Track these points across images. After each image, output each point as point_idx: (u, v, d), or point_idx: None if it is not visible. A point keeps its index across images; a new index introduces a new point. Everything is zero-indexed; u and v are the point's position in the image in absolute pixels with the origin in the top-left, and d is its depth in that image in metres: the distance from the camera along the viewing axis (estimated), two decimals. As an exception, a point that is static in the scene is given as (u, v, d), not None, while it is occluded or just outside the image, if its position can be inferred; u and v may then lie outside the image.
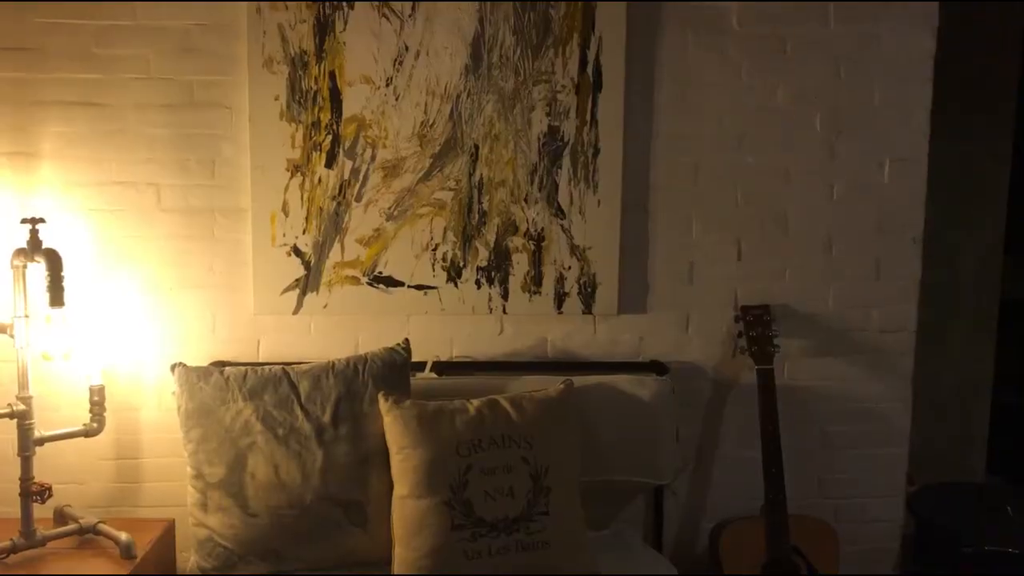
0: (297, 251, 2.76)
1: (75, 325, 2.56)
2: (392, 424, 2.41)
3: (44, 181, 2.70)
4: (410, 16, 2.69)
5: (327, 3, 2.67)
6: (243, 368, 2.50)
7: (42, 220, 2.39)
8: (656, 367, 2.81)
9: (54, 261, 2.29)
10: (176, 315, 2.76)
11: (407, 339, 2.62)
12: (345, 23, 2.69)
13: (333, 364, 2.52)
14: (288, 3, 2.66)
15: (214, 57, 2.70)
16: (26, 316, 2.43)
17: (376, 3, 2.68)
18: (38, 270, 2.36)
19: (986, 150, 3.38)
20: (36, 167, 2.69)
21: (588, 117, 2.76)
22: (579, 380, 2.61)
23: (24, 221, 2.37)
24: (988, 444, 3.80)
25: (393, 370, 2.55)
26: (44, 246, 2.36)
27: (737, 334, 2.81)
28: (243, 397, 2.44)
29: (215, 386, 2.45)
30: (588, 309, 2.83)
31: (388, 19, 2.69)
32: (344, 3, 2.68)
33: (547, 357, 2.85)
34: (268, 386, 2.47)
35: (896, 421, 2.92)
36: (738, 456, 2.87)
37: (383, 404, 2.43)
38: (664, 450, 2.69)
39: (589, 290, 2.82)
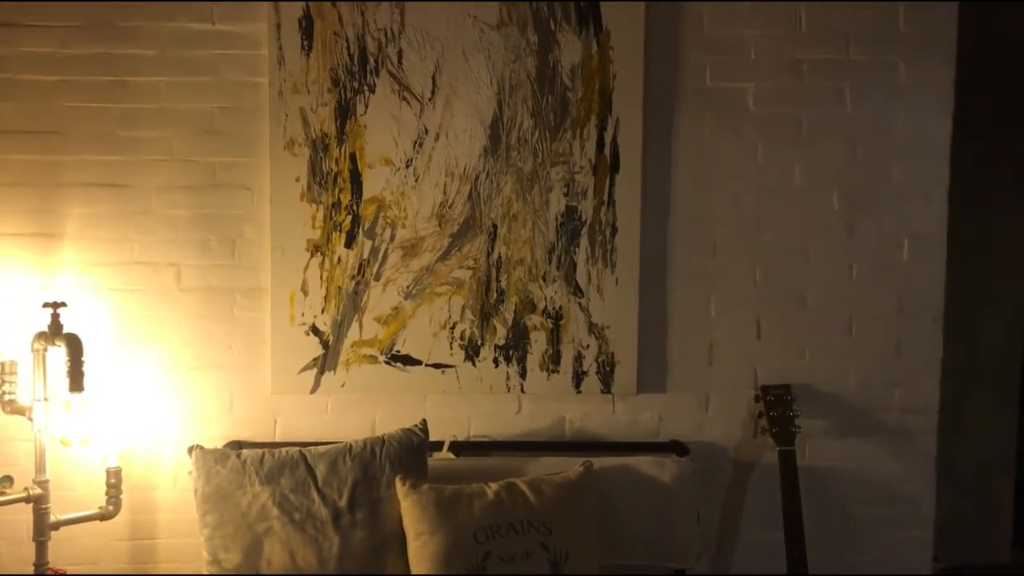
0: (315, 330, 2.77)
1: (94, 408, 2.56)
2: (409, 509, 2.38)
3: (66, 261, 2.72)
4: (430, 100, 2.73)
5: (349, 87, 2.71)
6: (260, 451, 2.49)
7: (63, 304, 2.41)
8: (676, 447, 2.78)
9: (75, 346, 2.31)
10: (194, 395, 2.76)
11: (424, 420, 2.60)
12: (366, 107, 2.73)
13: (350, 446, 2.51)
14: (310, 88, 2.71)
15: (236, 139, 2.74)
16: (45, 399, 2.44)
17: (396, 87, 2.72)
18: (58, 354, 2.37)
19: (1006, 225, 3.37)
20: (59, 247, 2.72)
21: (606, 197, 2.78)
22: (598, 461, 2.59)
23: (46, 305, 2.39)
24: (1014, 518, 3.73)
25: (410, 452, 2.53)
26: (65, 331, 2.37)
27: (758, 414, 2.78)
28: (260, 481, 2.42)
29: (232, 469, 2.44)
30: (607, 388, 2.81)
31: (408, 103, 2.73)
32: (365, 87, 2.72)
33: (566, 437, 2.83)
34: (285, 469, 2.45)
35: (920, 502, 2.87)
36: (760, 539, 2.82)
37: (400, 488, 2.41)
38: (685, 533, 2.64)
39: (608, 369, 2.81)
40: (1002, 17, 2.91)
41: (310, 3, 2.68)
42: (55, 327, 2.38)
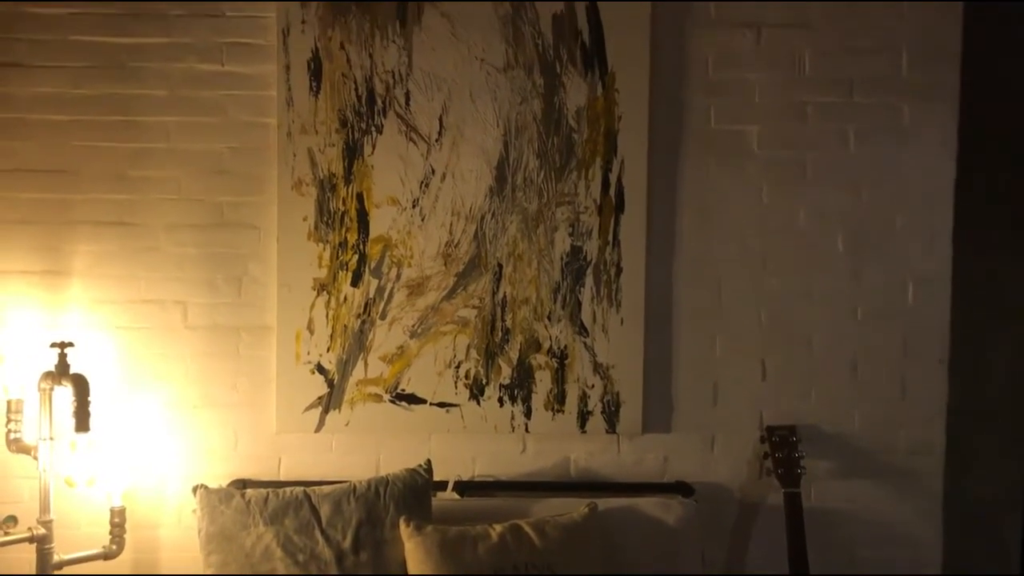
0: (321, 369, 2.77)
1: (99, 446, 2.56)
2: (413, 551, 2.37)
3: (73, 299, 2.73)
4: (437, 140, 2.75)
5: (356, 128, 2.74)
6: (264, 491, 2.49)
7: (70, 344, 2.42)
8: (682, 488, 2.77)
9: (81, 387, 2.32)
10: (199, 433, 2.76)
11: (429, 460, 2.60)
12: (373, 147, 2.75)
13: (354, 487, 2.50)
14: (318, 128, 2.73)
15: (244, 179, 2.76)
16: (51, 439, 2.44)
17: (404, 128, 2.74)
18: (65, 393, 2.38)
19: (1010, 263, 3.37)
20: (66, 285, 2.74)
21: (611, 237, 2.79)
22: (603, 502, 2.58)
23: (53, 345, 2.40)
24: (1022, 558, 3.70)
25: (414, 493, 2.53)
26: (72, 371, 2.38)
27: (763, 455, 2.77)
28: (264, 521, 2.42)
29: (236, 509, 2.44)
30: (612, 428, 2.81)
31: (415, 143, 2.75)
32: (373, 128, 2.74)
33: (570, 477, 2.82)
34: (289, 510, 2.45)
35: (926, 545, 2.85)
36: (765, 581, 2.81)
37: (404, 530, 2.41)
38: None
39: (613, 409, 2.80)
40: (1003, 66, 2.94)
41: (319, 45, 2.72)
42: (62, 367, 2.39)
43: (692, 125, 2.80)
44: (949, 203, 2.83)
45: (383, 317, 2.79)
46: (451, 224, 2.78)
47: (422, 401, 2.79)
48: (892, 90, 2.80)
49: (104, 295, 2.74)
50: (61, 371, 2.38)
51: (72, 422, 2.31)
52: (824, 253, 2.82)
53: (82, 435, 2.35)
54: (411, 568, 2.38)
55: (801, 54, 2.79)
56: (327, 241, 2.76)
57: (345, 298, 2.77)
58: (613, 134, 2.77)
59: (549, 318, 2.80)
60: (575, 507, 2.53)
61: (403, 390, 2.79)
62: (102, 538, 2.61)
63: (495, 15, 2.73)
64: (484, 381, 2.80)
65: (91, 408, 2.31)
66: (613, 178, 2.78)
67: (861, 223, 2.82)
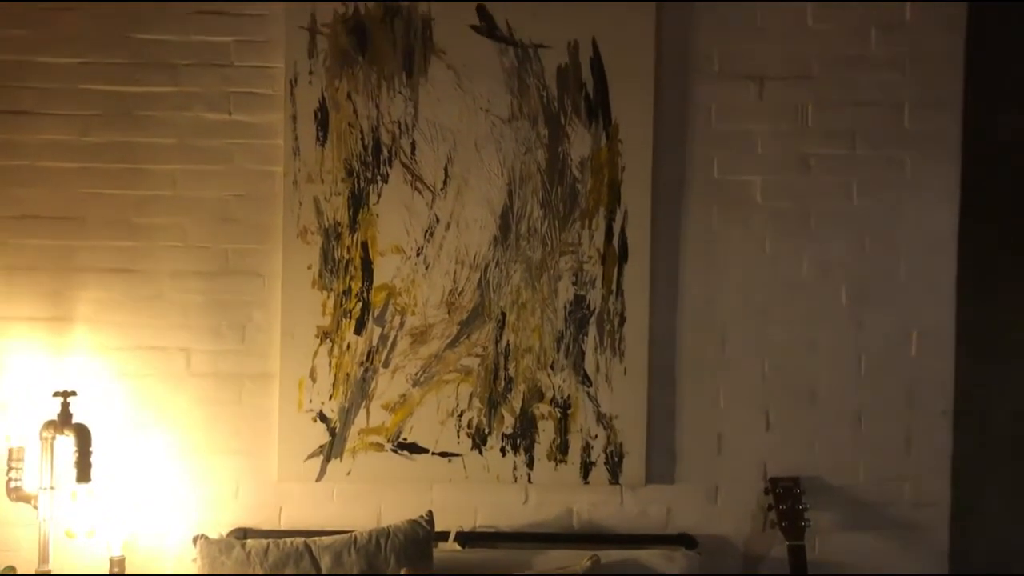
0: (323, 417, 2.76)
1: (100, 496, 2.55)
2: (415, 605, 2.36)
3: (77, 345, 2.74)
4: (442, 189, 2.77)
5: (362, 177, 2.76)
6: (265, 541, 2.47)
7: (73, 393, 2.42)
8: (685, 540, 2.75)
9: (83, 437, 2.31)
10: (200, 481, 2.75)
11: (430, 511, 2.59)
12: (379, 196, 2.76)
13: (355, 538, 2.49)
14: (324, 177, 2.75)
15: (250, 227, 2.78)
16: (51, 488, 2.43)
17: (409, 178, 2.76)
18: (66, 443, 2.37)
19: (1014, 312, 3.37)
20: (71, 331, 2.74)
21: (614, 286, 2.80)
22: (606, 555, 2.57)
23: (56, 394, 2.40)
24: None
25: (416, 545, 2.51)
26: (74, 420, 2.37)
27: (767, 507, 2.75)
28: (264, 573, 2.40)
29: (237, 561, 2.42)
30: (615, 479, 2.79)
31: (420, 192, 2.77)
32: (379, 177, 2.76)
33: (573, 529, 2.80)
34: (289, 561, 2.43)
35: (933, 599, 2.83)
36: (770, 636, 2.78)
37: (406, 583, 2.39)
38: (693, 630, 2.60)
39: (616, 459, 2.79)
40: (1003, 117, 2.97)
41: (326, 95, 2.74)
42: (64, 416, 2.38)
43: (695, 176, 2.82)
44: (952, 254, 2.83)
45: (386, 365, 2.78)
46: (455, 272, 2.79)
47: (424, 450, 2.78)
48: (894, 142, 2.82)
49: (108, 342, 2.75)
50: (63, 420, 2.38)
51: (73, 472, 2.30)
52: (827, 304, 2.82)
53: (83, 485, 2.34)
54: (412, 622, 2.36)
55: (804, 106, 2.81)
56: (331, 289, 2.77)
57: (348, 346, 2.77)
58: (617, 184, 2.79)
59: (552, 367, 2.80)
60: (577, 559, 2.51)
61: (405, 439, 2.78)
62: (100, 587, 2.59)
63: (500, 67, 2.76)
64: (486, 430, 2.79)
65: (92, 459, 2.30)
66: (617, 228, 2.79)
67: (864, 274, 2.82)
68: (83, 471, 2.28)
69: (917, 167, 2.82)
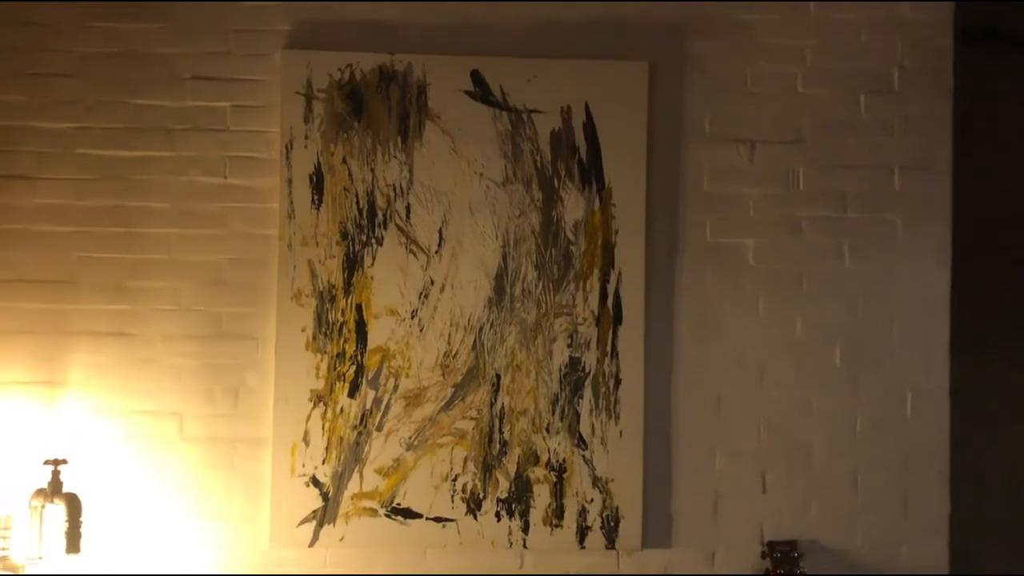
0: (316, 482, 2.74)
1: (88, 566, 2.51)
2: (409, 677, 2.31)
3: (69, 410, 2.71)
4: (436, 252, 2.78)
5: (357, 240, 2.76)
6: (257, 612, 2.44)
7: (64, 461, 2.39)
8: (682, 606, 2.73)
9: (74, 507, 2.29)
10: (192, 547, 2.71)
11: (425, 579, 2.56)
12: (373, 259, 2.77)
13: (349, 607, 2.46)
14: (319, 240, 2.75)
15: (244, 290, 2.77)
16: (40, 558, 2.39)
17: (404, 240, 2.77)
18: (56, 511, 2.34)
19: (1007, 368, 3.39)
20: (62, 396, 2.72)
21: (609, 348, 2.80)
22: (602, 623, 2.54)
23: (47, 462, 2.37)
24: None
25: (411, 613, 2.48)
26: (65, 489, 2.34)
27: (764, 571, 2.73)
28: (255, 645, 2.36)
29: (227, 632, 2.38)
30: (611, 543, 2.76)
31: (415, 255, 2.77)
32: (373, 240, 2.77)
33: (569, 594, 2.77)
34: (282, 632, 2.39)
35: (935, 666, 2.79)
36: None
37: (400, 655, 2.35)
38: None
39: (612, 523, 2.77)
40: (995, 178, 3.01)
41: (321, 160, 2.76)
42: (55, 485, 2.36)
43: (689, 238, 2.84)
44: (945, 315, 2.84)
45: (379, 429, 2.76)
46: (449, 335, 2.78)
47: (418, 516, 2.75)
48: (885, 204, 2.85)
49: (100, 406, 2.72)
50: (54, 489, 2.35)
51: (63, 542, 2.27)
52: (822, 365, 2.82)
53: (72, 556, 2.30)
54: None
55: (795, 169, 2.85)
56: (325, 352, 2.76)
57: (342, 409, 2.76)
58: (610, 247, 2.80)
59: (547, 430, 2.79)
60: (574, 628, 2.49)
61: (399, 504, 2.75)
62: (88, 659, 2.54)
63: (494, 131, 2.78)
64: (481, 495, 2.76)
65: (83, 529, 2.27)
66: (611, 290, 2.80)
67: (858, 335, 2.83)
68: (72, 542, 2.25)
69: (908, 229, 2.85)
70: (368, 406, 2.77)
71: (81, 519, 2.28)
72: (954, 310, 2.86)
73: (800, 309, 2.83)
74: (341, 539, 2.73)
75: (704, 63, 2.85)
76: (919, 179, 2.85)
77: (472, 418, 2.78)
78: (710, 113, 2.85)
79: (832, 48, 2.86)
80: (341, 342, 2.76)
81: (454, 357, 2.79)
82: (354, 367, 2.76)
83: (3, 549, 2.47)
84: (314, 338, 2.76)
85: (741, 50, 2.86)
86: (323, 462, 2.74)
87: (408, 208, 2.78)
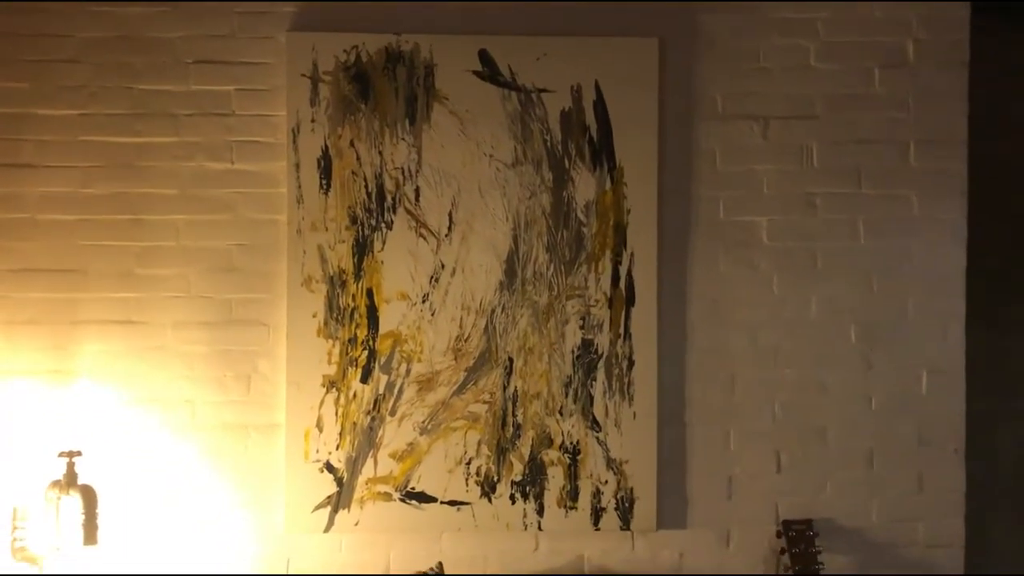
0: (330, 467, 2.73)
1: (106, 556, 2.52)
2: (428, 662, 2.32)
3: (80, 399, 2.70)
4: (446, 235, 2.75)
5: (366, 224, 2.74)
6: (274, 598, 2.44)
7: (78, 453, 2.39)
8: (697, 586, 2.73)
9: (90, 498, 2.29)
10: (207, 534, 2.71)
11: (440, 563, 2.57)
12: (383, 243, 2.74)
13: (366, 593, 2.46)
14: (328, 225, 2.73)
15: (254, 276, 2.75)
16: (58, 549, 2.39)
17: (414, 224, 2.74)
18: (72, 503, 2.34)
19: (1021, 341, 3.37)
20: (73, 385, 2.70)
21: (622, 330, 2.78)
22: (619, 604, 2.54)
23: (62, 454, 2.36)
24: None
25: (428, 598, 2.48)
26: (80, 480, 2.34)
27: (780, 550, 2.72)
28: (274, 632, 2.37)
29: (245, 619, 2.39)
30: (626, 525, 2.76)
31: (425, 238, 2.75)
32: (383, 224, 2.74)
33: (584, 575, 2.77)
34: (300, 619, 2.40)
35: (950, 641, 2.80)
36: None
37: (418, 640, 2.36)
38: None
39: (627, 505, 2.76)
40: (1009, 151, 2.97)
41: (328, 143, 2.72)
42: (70, 477, 2.35)
43: (701, 217, 2.81)
44: (961, 292, 2.82)
45: (393, 413, 2.75)
46: (461, 318, 2.76)
47: (432, 499, 2.75)
48: (900, 180, 2.82)
49: (111, 395, 2.71)
50: (69, 481, 2.35)
51: (80, 534, 2.26)
52: (836, 344, 2.81)
53: (90, 547, 2.30)
54: None
55: (809, 145, 2.81)
56: (336, 337, 2.74)
57: (355, 395, 2.75)
58: (622, 227, 2.77)
59: (561, 412, 2.78)
60: (591, 610, 2.49)
61: (413, 488, 2.75)
62: (107, 647, 2.55)
63: (503, 112, 2.74)
64: (495, 478, 2.76)
65: (99, 520, 2.27)
66: (623, 271, 2.77)
67: (873, 313, 2.81)
68: (90, 534, 2.25)
69: (923, 204, 2.82)
70: (381, 391, 2.75)
71: (97, 511, 2.28)
72: (970, 286, 2.83)
73: (814, 287, 2.80)
74: (356, 524, 2.73)
75: (715, 38, 2.81)
76: (934, 154, 2.81)
77: (485, 401, 2.77)
78: (722, 89, 2.81)
79: (845, 21, 2.81)
80: (352, 327, 2.75)
81: (466, 341, 2.77)
82: (366, 352, 2.75)
83: (20, 540, 2.46)
84: (325, 324, 2.74)
85: (752, 25, 2.81)
86: (337, 447, 2.74)
87: (417, 191, 2.75)
